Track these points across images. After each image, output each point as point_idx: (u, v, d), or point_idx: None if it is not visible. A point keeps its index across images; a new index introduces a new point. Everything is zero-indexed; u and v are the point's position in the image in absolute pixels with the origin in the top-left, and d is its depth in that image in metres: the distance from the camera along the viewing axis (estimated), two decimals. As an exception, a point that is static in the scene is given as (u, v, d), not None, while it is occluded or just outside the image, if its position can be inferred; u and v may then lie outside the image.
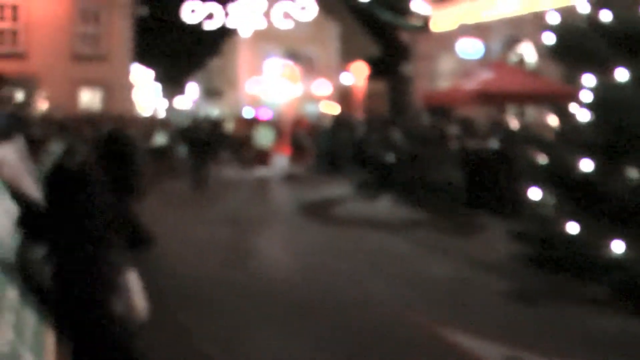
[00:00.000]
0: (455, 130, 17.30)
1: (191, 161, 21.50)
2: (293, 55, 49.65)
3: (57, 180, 4.52)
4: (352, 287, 9.93)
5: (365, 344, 7.52)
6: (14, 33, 33.78)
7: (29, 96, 32.32)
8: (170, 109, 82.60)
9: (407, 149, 18.17)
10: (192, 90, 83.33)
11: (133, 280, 4.76)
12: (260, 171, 23.89)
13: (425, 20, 28.67)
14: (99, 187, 4.50)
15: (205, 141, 21.77)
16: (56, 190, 4.47)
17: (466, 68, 29.88)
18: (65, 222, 4.32)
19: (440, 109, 26.43)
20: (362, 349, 7.40)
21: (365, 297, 9.39)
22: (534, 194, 10.70)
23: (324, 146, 26.51)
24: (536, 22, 21.76)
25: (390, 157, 18.94)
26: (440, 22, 31.65)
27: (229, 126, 38.38)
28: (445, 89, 27.29)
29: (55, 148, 4.79)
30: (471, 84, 21.15)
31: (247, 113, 41.72)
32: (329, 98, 47.92)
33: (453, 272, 10.80)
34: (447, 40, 31.90)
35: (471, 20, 30.46)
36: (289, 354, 7.30)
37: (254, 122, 29.99)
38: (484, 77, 21.09)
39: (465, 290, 9.80)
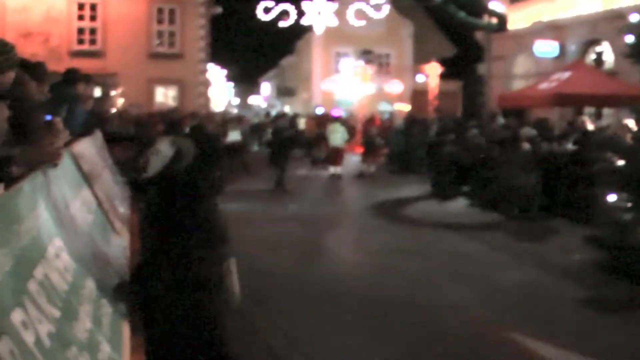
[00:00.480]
0: (531, 132, 17.01)
1: (270, 157, 21.30)
2: (366, 54, 49.58)
3: (169, 182, 4.83)
4: (423, 288, 9.89)
5: (435, 346, 7.49)
6: (93, 32, 34.52)
7: (107, 93, 32.99)
8: (243, 107, 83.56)
9: (482, 150, 17.98)
10: (265, 89, 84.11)
11: (233, 267, 5.11)
12: (333, 169, 23.89)
13: (501, 19, 28.32)
14: (204, 187, 4.85)
15: (286, 137, 21.50)
16: (168, 191, 4.79)
17: (542, 69, 29.44)
18: (176, 221, 4.65)
19: (515, 110, 26.09)
20: (433, 350, 7.37)
21: (437, 299, 9.35)
22: (611, 198, 10.50)
23: (397, 146, 26.45)
24: (615, 21, 21.27)
25: (465, 158, 18.76)
26: (516, 21, 31.26)
27: (301, 124, 38.57)
28: (520, 90, 26.89)
29: (163, 149, 4.99)
30: (547, 85, 20.84)
31: (319, 111, 41.90)
32: (401, 97, 47.74)
33: (526, 277, 10.66)
34: (523, 40, 31.46)
35: (548, 19, 29.98)
36: (358, 353, 7.31)
37: (326, 121, 29.98)
38: (561, 78, 20.76)
39: (538, 296, 9.66)
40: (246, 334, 7.53)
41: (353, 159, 27.51)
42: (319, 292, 9.48)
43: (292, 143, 23.00)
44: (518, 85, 32.63)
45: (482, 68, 28.02)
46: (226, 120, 34.35)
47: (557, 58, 29.31)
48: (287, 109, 58.97)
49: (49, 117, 6.38)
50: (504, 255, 12.12)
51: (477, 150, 18.34)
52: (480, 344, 7.57)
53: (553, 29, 29.70)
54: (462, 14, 29.16)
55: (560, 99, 19.26)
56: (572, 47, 28.73)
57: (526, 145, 15.85)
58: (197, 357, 4.71)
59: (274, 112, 50.72)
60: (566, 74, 20.93)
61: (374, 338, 7.68)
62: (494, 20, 27.40)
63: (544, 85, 21.19)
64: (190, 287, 4.63)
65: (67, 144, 7.35)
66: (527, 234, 14.07)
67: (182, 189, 4.85)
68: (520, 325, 8.11)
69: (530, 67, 32.82)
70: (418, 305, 8.93)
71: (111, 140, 13.79)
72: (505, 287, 10.02)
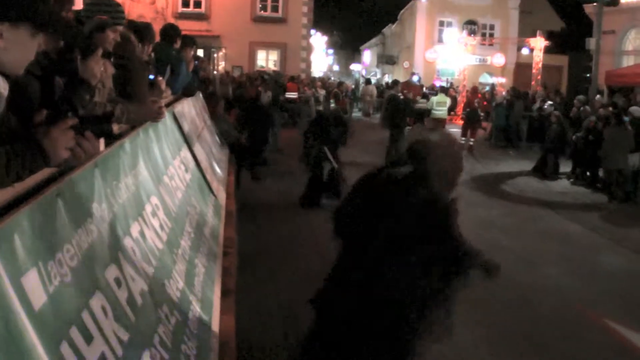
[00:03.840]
0: (638, 111, 16.39)
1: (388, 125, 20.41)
2: (470, 24, 48.79)
3: None
4: (519, 267, 9.69)
5: (529, 326, 7.35)
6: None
7: (210, 55, 33.50)
8: (343, 74, 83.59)
9: (587, 129, 17.43)
10: (367, 57, 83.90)
11: None
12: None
13: (614, -8, 27.32)
14: None
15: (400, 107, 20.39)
16: None
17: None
18: None
19: (624, 87, 25.24)
20: (526, 331, 7.23)
21: (533, 279, 9.15)
22: None
23: (498, 119, 25.94)
24: None
25: (570, 136, 18.27)
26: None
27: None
28: (629, 67, 25.98)
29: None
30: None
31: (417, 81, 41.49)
32: (504, 70, 46.84)
33: (625, 262, 10.32)
34: (635, 14, 30.34)
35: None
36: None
37: (422, 91, 29.43)
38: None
39: (636, 283, 9.34)
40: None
41: (454, 131, 27.18)
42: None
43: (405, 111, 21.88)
44: (628, 62, 31.55)
45: (590, 43, 27.09)
46: (330, 87, 34.45)
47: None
48: (387, 77, 58.65)
49: (152, 77, 6.47)
50: (604, 239, 11.77)
51: (583, 128, 17.83)
52: (573, 328, 7.38)
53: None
54: (572, -14, 28.19)
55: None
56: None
57: (628, 126, 15.25)
58: None
59: (374, 80, 50.49)
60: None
61: (468, 316, 7.56)
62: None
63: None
64: None
65: (169, 104, 7.45)
66: (629, 217, 13.63)
67: None
68: (615, 312, 7.88)
69: (640, 43, 31.70)
70: (514, 284, 8.75)
71: (212, 100, 14.00)
72: (602, 272, 9.73)
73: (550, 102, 24.28)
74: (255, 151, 15.39)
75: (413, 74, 31.66)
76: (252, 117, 15.90)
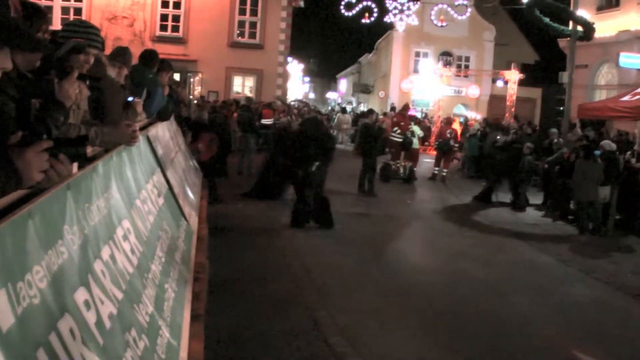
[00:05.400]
0: (610, 145, 16.55)
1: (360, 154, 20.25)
2: (446, 55, 49.24)
3: None
4: (489, 297, 9.73)
5: (500, 357, 7.37)
6: (176, 19, 34.99)
7: (186, 79, 33.49)
8: (319, 102, 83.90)
9: (559, 161, 17.60)
10: (343, 85, 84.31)
11: None
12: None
13: (588, 28, 27.65)
14: None
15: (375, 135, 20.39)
16: None
17: (626, 80, 28.69)
18: None
19: (595, 121, 25.50)
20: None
21: (502, 310, 9.18)
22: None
23: (472, 150, 26.08)
24: None
25: (542, 168, 18.44)
26: (602, 30, 30.48)
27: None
28: (601, 101, 26.23)
29: None
30: (630, 98, 20.29)
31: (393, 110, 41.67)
32: (479, 102, 47.21)
33: (594, 294, 10.39)
34: (608, 50, 30.70)
35: (635, 29, 29.21)
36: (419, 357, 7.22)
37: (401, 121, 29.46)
38: (645, 90, 20.18)
39: (604, 315, 9.40)
40: (306, 328, 7.51)
41: (427, 161, 27.30)
42: (384, 293, 9.41)
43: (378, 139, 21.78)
44: (600, 95, 31.91)
45: (563, 76, 27.34)
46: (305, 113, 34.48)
47: (642, 69, 28.50)
48: (362, 106, 58.95)
49: (131, 99, 6.48)
50: (574, 270, 11.84)
51: (555, 161, 18.00)
52: (543, 358, 7.42)
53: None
54: (545, 20, 28.51)
55: (643, 112, 18.67)
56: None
57: (597, 159, 15.41)
58: None
59: (349, 108, 50.73)
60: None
61: (435, 345, 7.57)
62: (580, 28, 26.70)
63: (626, 98, 20.61)
64: None
65: (144, 127, 7.45)
66: (599, 249, 13.73)
67: None
68: (584, 343, 7.93)
69: (612, 77, 32.06)
70: (483, 314, 8.79)
71: (189, 125, 14.01)
72: (572, 303, 9.79)
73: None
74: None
75: (405, 104, 31.44)
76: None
